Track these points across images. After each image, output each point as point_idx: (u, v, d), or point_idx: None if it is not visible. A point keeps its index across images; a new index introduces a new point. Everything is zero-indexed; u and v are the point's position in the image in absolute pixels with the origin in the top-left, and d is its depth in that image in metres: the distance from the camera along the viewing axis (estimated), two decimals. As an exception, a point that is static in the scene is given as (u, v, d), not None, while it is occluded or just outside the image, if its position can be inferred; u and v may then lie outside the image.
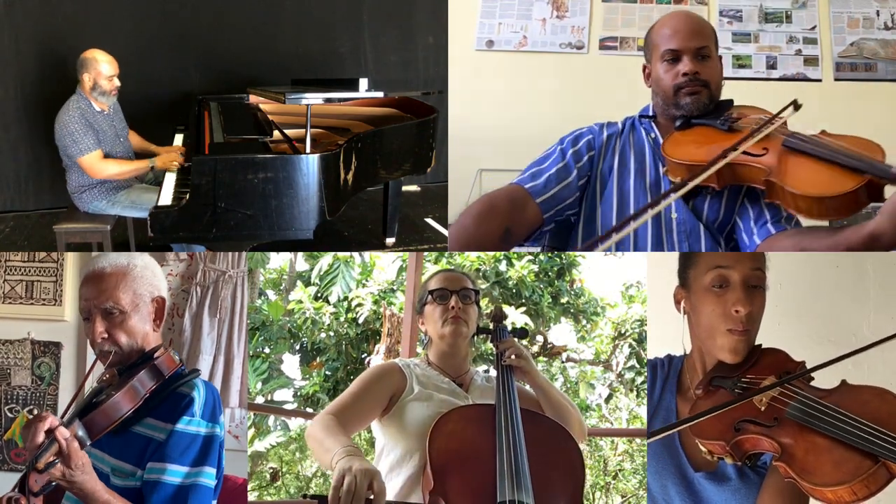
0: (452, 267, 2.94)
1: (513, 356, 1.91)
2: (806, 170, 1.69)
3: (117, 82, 3.49)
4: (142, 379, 1.61)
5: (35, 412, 3.15)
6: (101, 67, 3.43)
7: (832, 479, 1.43)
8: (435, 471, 1.59)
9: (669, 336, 1.84)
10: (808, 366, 1.67)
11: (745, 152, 1.76)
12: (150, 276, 1.73)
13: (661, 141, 1.99)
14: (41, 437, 1.41)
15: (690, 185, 1.73)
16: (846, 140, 1.74)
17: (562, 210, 1.95)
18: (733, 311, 1.68)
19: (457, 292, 1.95)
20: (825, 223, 1.76)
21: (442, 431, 1.67)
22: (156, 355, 1.67)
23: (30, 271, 3.24)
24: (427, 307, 1.98)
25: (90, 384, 1.76)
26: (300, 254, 6.04)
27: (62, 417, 1.49)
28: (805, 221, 1.82)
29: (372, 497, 1.40)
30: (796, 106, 1.87)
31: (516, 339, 2.02)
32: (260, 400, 5.74)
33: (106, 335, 1.66)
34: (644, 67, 2.08)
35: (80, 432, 1.48)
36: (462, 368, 1.98)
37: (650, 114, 2.08)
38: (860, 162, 1.63)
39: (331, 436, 1.63)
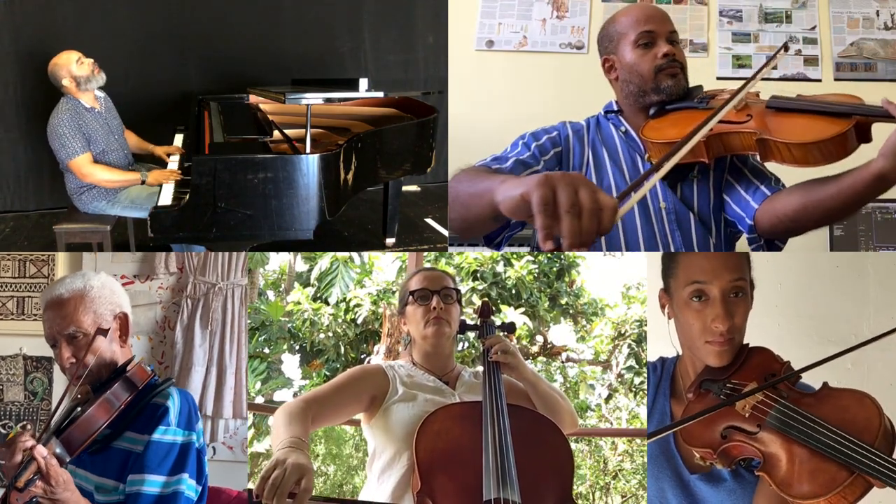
0: (433, 266, 2.92)
1: (499, 352, 1.88)
2: (795, 123, 1.72)
3: (90, 61, 3.34)
4: (115, 392, 1.63)
5: (29, 427, 3.15)
6: (68, 63, 3.29)
7: (809, 492, 1.42)
8: (422, 471, 1.59)
9: (669, 336, 1.84)
10: (794, 366, 1.66)
11: (730, 121, 1.76)
12: (108, 294, 1.75)
13: (632, 133, 1.99)
14: (19, 456, 1.43)
15: (682, 151, 1.64)
16: (825, 96, 1.79)
17: None
18: (713, 326, 1.65)
19: (438, 292, 1.93)
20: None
21: (428, 431, 1.66)
22: (128, 368, 1.70)
23: (20, 287, 3.24)
24: (409, 308, 1.96)
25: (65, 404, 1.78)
26: (299, 254, 6.03)
27: (40, 436, 1.52)
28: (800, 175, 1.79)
29: (297, 492, 1.37)
30: (786, 47, 1.94)
31: (503, 334, 1.99)
32: (260, 400, 5.74)
33: (74, 360, 1.68)
34: (605, 61, 2.05)
35: (58, 450, 1.51)
36: (448, 366, 1.96)
37: (615, 108, 2.08)
38: (845, 107, 1.69)
39: (287, 424, 1.59)
